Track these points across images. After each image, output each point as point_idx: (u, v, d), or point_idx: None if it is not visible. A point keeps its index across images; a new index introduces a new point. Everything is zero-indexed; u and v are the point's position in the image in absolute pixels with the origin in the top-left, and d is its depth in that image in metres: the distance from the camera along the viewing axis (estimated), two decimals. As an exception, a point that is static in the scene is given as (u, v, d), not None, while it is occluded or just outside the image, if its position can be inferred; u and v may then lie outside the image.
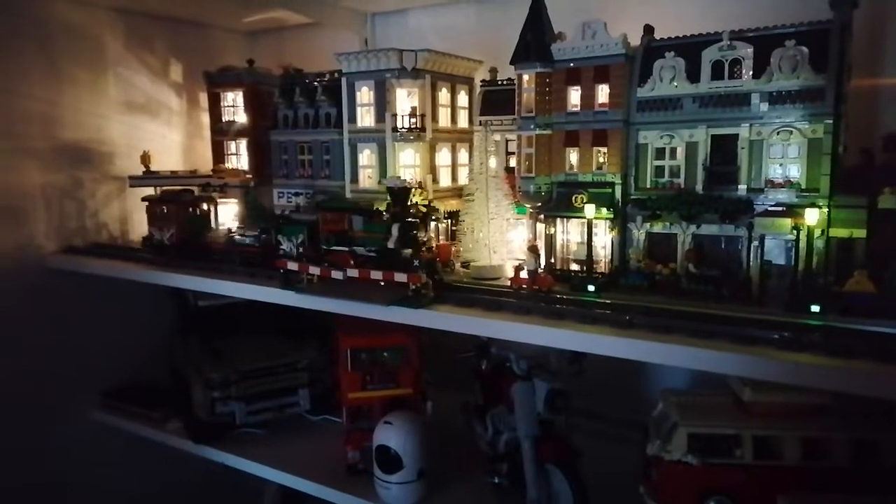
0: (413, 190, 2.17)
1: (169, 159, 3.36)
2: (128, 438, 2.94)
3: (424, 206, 2.44)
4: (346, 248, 2.15)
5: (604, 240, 2.15)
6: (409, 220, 2.09)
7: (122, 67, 3.23)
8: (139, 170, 3.05)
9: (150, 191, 2.95)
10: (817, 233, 1.79)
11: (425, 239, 2.13)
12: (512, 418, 2.08)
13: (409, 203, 2.12)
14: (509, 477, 2.14)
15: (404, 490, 2.16)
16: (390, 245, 2.05)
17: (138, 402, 2.98)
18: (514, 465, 2.10)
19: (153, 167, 3.08)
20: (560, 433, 2.05)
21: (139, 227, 3.22)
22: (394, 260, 2.03)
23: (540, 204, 2.26)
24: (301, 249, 2.24)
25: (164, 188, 2.91)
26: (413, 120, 2.47)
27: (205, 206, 2.81)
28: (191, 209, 2.77)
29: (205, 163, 3.21)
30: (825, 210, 1.81)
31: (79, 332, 2.99)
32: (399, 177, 2.24)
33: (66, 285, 2.90)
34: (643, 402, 2.19)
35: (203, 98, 3.23)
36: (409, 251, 2.03)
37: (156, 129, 3.37)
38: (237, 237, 2.63)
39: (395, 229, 2.05)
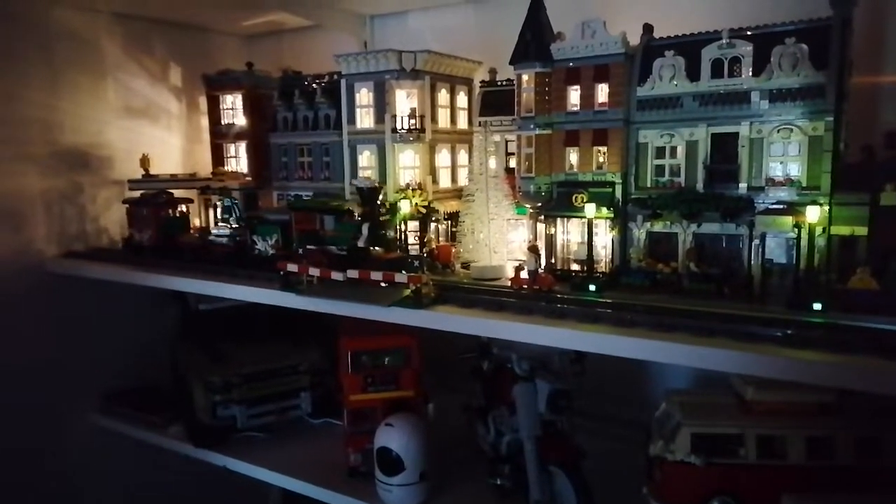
0: (381, 189, 2.24)
1: (168, 163, 3.36)
2: (130, 441, 2.93)
3: (424, 207, 2.45)
4: (318, 247, 2.20)
5: (604, 239, 2.14)
6: (379, 219, 2.17)
7: (122, 72, 3.23)
8: (139, 173, 3.06)
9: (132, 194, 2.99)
10: (818, 230, 1.79)
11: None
12: (514, 419, 2.06)
13: (378, 203, 2.20)
14: (511, 479, 2.13)
15: (406, 492, 2.15)
16: (360, 244, 2.11)
17: (140, 406, 2.97)
18: (516, 467, 2.09)
19: (153, 171, 3.09)
20: (562, 434, 2.04)
21: (140, 230, 3.23)
22: (363, 258, 2.08)
23: (540, 204, 2.25)
24: (274, 249, 2.36)
25: (143, 192, 2.95)
26: (412, 121, 2.47)
27: (182, 208, 2.87)
28: (168, 211, 2.82)
29: (204, 166, 3.21)
30: (826, 208, 1.80)
31: (79, 337, 2.98)
32: (368, 177, 2.30)
33: (67, 290, 2.89)
34: (646, 402, 2.18)
35: (202, 101, 3.23)
36: (379, 249, 2.11)
37: (155, 133, 3.37)
38: (212, 237, 2.65)
39: (364, 228, 2.12)
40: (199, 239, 2.71)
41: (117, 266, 2.74)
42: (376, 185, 2.23)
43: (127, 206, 2.94)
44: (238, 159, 3.02)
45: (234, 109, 3.00)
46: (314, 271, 2.09)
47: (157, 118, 3.39)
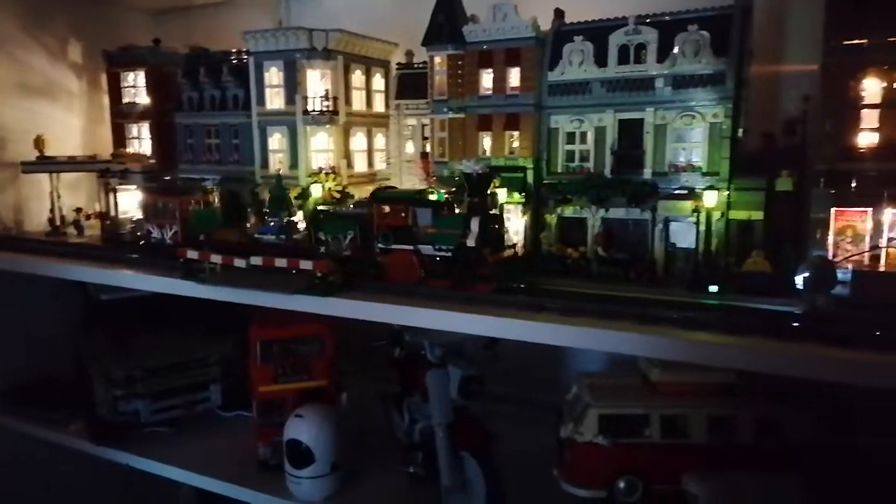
0: (494, 177, 1.91)
1: (69, 144, 3.15)
2: (33, 440, 2.76)
3: (339, 191, 2.38)
4: (411, 247, 1.87)
5: (517, 224, 2.14)
6: (491, 212, 1.83)
7: (17, 47, 3.01)
8: (34, 155, 2.86)
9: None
10: (717, 215, 1.83)
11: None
12: (427, 406, 2.04)
13: (489, 193, 1.85)
14: (425, 466, 2.11)
15: (316, 484, 2.10)
16: (470, 243, 1.79)
17: (40, 402, 2.80)
18: (428, 454, 2.07)
19: (50, 152, 2.90)
20: (474, 420, 2.03)
21: (36, 216, 3.04)
22: (475, 261, 1.78)
23: (454, 189, 2.22)
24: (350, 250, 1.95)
25: (164, 179, 2.63)
26: (325, 103, 2.40)
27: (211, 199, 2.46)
28: (195, 202, 2.41)
29: (106, 147, 3.03)
30: (725, 193, 1.85)
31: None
32: (477, 160, 1.96)
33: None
34: (559, 385, 2.19)
35: (104, 79, 3.04)
36: (487, 249, 1.77)
37: (54, 113, 3.16)
38: (257, 235, 2.25)
39: (474, 224, 1.79)
40: (240, 237, 2.27)
41: (5, 253, 2.56)
42: (488, 170, 1.86)
43: (143, 196, 2.52)
44: (141, 140, 2.87)
45: (136, 88, 2.85)
46: (216, 258, 2.00)
47: (56, 97, 3.18)
